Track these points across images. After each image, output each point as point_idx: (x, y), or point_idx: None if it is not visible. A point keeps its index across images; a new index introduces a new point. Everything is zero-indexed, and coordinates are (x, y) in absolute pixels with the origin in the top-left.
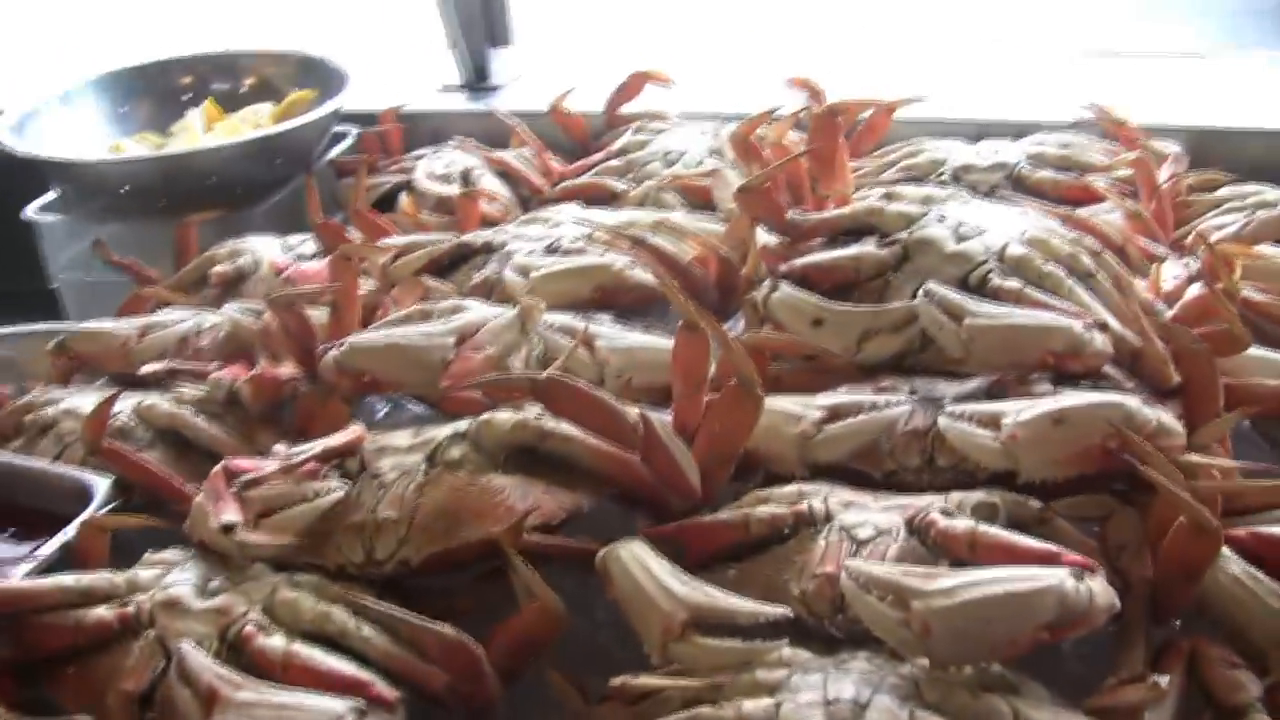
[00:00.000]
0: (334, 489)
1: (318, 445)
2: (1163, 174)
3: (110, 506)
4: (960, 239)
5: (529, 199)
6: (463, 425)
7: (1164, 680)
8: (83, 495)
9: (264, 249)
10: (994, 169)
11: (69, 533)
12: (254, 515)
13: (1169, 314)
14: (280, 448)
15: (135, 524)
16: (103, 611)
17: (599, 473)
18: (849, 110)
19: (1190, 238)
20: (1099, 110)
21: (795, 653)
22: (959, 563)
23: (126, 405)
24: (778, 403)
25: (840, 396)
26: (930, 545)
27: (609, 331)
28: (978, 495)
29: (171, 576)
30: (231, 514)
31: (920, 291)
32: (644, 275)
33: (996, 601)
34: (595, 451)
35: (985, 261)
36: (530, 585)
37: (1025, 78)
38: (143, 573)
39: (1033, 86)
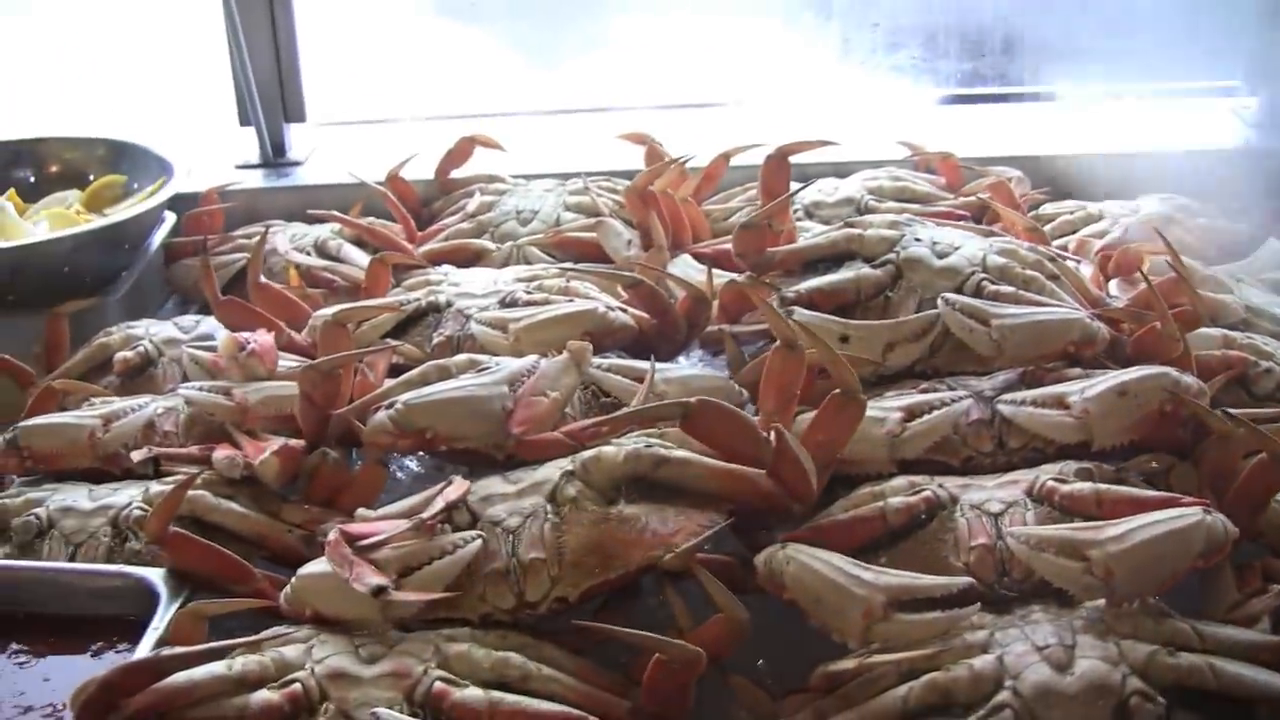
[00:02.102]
0: (469, 540)
1: (439, 500)
2: (1016, 195)
3: (185, 595)
4: (940, 255)
5: None
6: (566, 464)
7: None
8: (116, 593)
9: (160, 331)
10: (842, 203)
11: (158, 627)
12: (394, 576)
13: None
14: (366, 511)
15: (238, 606)
16: (268, 694)
17: (716, 490)
18: (795, 151)
19: (1073, 244)
20: (916, 147)
21: (981, 615)
22: (1089, 519)
23: (130, 497)
24: None
25: (906, 399)
26: (1059, 508)
27: (659, 364)
28: (1074, 464)
29: (319, 650)
30: (377, 578)
31: (940, 301)
32: (624, 317)
33: (1162, 540)
34: (714, 470)
35: (973, 272)
36: (719, 600)
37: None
38: (288, 651)
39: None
